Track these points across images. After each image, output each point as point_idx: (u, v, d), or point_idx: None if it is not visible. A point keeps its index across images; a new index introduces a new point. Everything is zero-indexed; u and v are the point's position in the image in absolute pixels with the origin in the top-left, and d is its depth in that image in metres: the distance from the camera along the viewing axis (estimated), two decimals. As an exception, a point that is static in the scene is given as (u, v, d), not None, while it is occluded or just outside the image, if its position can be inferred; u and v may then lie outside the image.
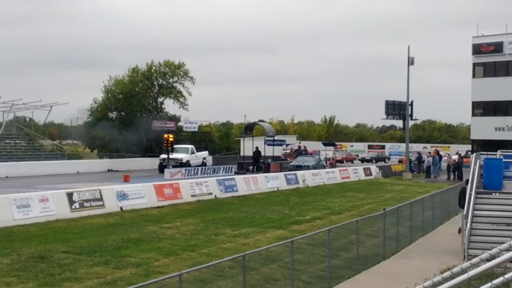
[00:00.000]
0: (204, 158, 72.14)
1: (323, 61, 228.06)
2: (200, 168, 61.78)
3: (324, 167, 66.61)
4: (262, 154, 67.69)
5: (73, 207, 29.60)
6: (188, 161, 66.83)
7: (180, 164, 64.50)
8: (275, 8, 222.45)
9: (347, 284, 20.14)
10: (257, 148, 67.95)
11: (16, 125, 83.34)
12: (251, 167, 64.90)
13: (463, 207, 26.67)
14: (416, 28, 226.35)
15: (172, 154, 64.78)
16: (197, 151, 72.60)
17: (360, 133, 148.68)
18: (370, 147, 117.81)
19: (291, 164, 66.74)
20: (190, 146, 71.48)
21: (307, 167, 61.33)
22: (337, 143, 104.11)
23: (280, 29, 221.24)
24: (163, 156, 65.39)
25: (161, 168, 64.26)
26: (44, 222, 27.04)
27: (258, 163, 65.50)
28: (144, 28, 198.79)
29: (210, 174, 58.35)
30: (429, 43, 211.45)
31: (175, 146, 68.72)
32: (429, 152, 76.82)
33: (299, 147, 78.31)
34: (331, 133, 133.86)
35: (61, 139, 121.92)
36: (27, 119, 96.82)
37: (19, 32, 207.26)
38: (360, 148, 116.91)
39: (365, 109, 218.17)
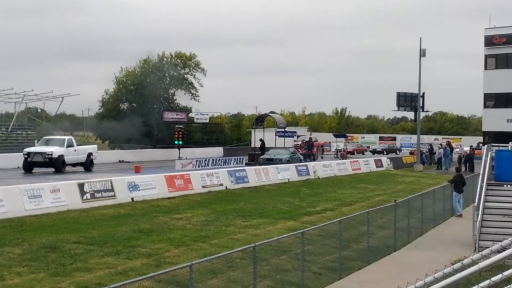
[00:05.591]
0: (90, 154, 53.81)
1: (333, 53, 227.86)
2: (211, 159, 61.71)
3: (300, 160, 59.52)
4: (273, 145, 67.67)
5: (84, 197, 29.66)
6: (61, 156, 49.30)
7: (49, 160, 48.63)
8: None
9: (357, 275, 20.16)
10: (261, 139, 68.10)
11: (28, 116, 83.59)
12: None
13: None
14: (426, 19, 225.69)
15: (39, 147, 51.14)
16: (213, 145, 69.73)
17: (371, 125, 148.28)
18: (381, 138, 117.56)
19: (261, 157, 60.86)
20: (67, 138, 53.78)
21: (279, 161, 56.37)
22: (348, 134, 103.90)
23: (290, 21, 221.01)
24: (29, 149, 50.96)
25: (26, 166, 49.74)
26: (55, 213, 27.10)
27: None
28: (155, 19, 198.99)
29: (221, 165, 58.37)
30: (440, 35, 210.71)
31: (46, 137, 56.34)
32: (440, 144, 76.63)
33: (310, 138, 78.10)
34: (342, 125, 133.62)
35: (73, 130, 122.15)
36: (39, 110, 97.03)
37: (30, 23, 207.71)
38: (371, 139, 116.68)
39: (376, 101, 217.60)
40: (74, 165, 51.63)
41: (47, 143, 51.53)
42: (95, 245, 21.03)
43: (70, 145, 51.21)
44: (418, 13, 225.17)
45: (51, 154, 48.68)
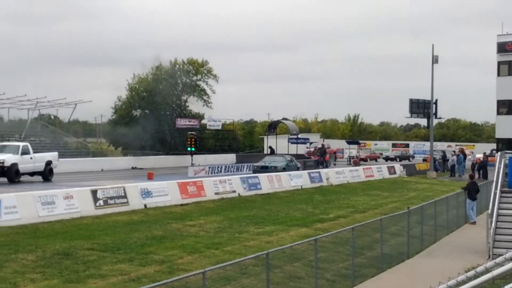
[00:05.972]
0: (50, 163, 49.15)
1: (346, 59, 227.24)
2: (223, 166, 61.67)
3: (298, 168, 56.76)
4: (286, 152, 67.65)
5: (98, 204, 29.71)
6: (14, 164, 44.69)
7: (1, 169, 43.97)
8: (296, 6, 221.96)
9: (371, 282, 20.12)
10: (270, 147, 68.23)
11: (41, 123, 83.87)
12: None
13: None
14: (439, 26, 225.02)
15: None
16: (225, 151, 68.57)
17: (384, 132, 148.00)
18: (394, 145, 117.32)
19: (255, 165, 58.19)
20: (22, 144, 48.60)
21: (274, 169, 53.48)
22: (361, 141, 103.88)
23: (303, 27, 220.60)
24: None
25: None
26: (68, 219, 27.17)
27: None
28: (167, 26, 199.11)
29: (234, 172, 58.37)
30: (453, 41, 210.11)
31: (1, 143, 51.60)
32: (454, 151, 76.44)
33: (322, 145, 78.04)
34: (355, 132, 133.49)
35: (86, 137, 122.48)
36: (52, 117, 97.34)
37: (42, 30, 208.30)
38: (384, 146, 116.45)
39: (389, 108, 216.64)
40: (31, 174, 47.34)
41: (0, 150, 46.72)
42: (108, 251, 21.06)
43: (25, 152, 46.42)
44: (430, 19, 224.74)
45: (3, 163, 43.93)
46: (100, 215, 28.83)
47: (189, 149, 68.14)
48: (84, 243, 22.09)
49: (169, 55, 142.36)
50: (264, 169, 53.78)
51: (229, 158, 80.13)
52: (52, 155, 50.72)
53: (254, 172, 52.64)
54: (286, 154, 63.07)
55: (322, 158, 71.00)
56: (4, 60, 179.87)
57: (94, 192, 29.92)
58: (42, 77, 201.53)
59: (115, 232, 24.94)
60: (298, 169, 56.22)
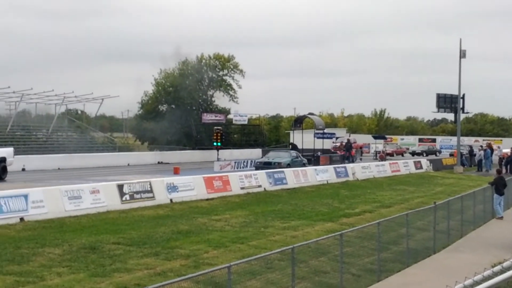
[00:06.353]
0: (3, 160, 44.54)
1: (372, 54, 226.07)
2: (249, 160, 61.64)
3: (304, 164, 53.87)
4: (312, 147, 67.51)
5: (124, 198, 29.84)
6: None
7: None
8: (323, 0, 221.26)
9: (396, 277, 20.03)
10: (291, 143, 68.10)
11: (68, 118, 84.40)
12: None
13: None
14: (466, 20, 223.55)
15: None
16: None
17: (410, 126, 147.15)
18: (420, 140, 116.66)
19: (257, 161, 56.25)
20: None
21: (278, 165, 50.76)
22: (387, 136, 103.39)
23: (328, 22, 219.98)
24: None
25: None
26: (95, 214, 27.31)
27: None
28: (192, 21, 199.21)
29: (259, 166, 58.34)
30: (480, 36, 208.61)
31: None
32: (481, 146, 75.95)
33: (348, 140, 77.82)
34: (382, 126, 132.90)
35: (112, 132, 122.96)
36: (79, 112, 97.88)
37: (68, 25, 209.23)
38: (411, 141, 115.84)
39: (416, 102, 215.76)
40: None
41: None
42: (134, 246, 21.14)
43: None
44: (458, 14, 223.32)
45: None
46: (126, 209, 28.96)
47: (215, 144, 68.25)
48: (110, 237, 22.19)
49: (196, 50, 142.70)
50: (267, 165, 51.27)
51: (255, 153, 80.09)
52: (6, 151, 45.90)
53: (257, 168, 50.48)
54: (292, 151, 60.37)
55: (347, 153, 70.86)
56: (32, 56, 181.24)
57: (120, 187, 30.05)
58: (70, 73, 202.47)
59: (141, 226, 25.03)
60: (304, 165, 53.37)
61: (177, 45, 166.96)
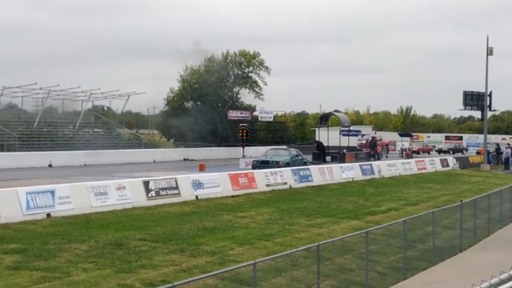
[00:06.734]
0: None
1: (398, 51, 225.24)
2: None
3: (305, 163, 51.39)
4: (337, 144, 67.40)
5: (150, 195, 29.92)
6: None
7: None
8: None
9: (422, 275, 19.96)
10: (316, 141, 67.94)
11: (94, 114, 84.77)
12: (329, 158, 64.27)
13: None
14: (494, 17, 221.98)
15: None
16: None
17: (437, 124, 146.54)
18: (447, 138, 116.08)
19: (255, 159, 53.29)
20: None
21: (276, 164, 48.32)
22: (413, 133, 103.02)
23: (354, 19, 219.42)
24: None
25: None
26: (121, 210, 27.41)
27: (324, 154, 64.79)
28: (218, 18, 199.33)
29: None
30: (507, 33, 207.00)
31: None
32: (508, 144, 75.45)
33: (373, 137, 77.54)
34: (408, 124, 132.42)
35: (138, 128, 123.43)
36: (105, 108, 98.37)
37: (95, 22, 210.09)
38: (437, 139, 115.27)
39: (442, 100, 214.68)
40: None
41: None
42: (160, 242, 21.20)
43: None
44: (485, 10, 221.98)
45: None
46: (152, 206, 29.03)
47: (240, 140, 68.29)
48: (136, 234, 22.26)
49: (221, 47, 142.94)
50: (265, 164, 48.81)
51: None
52: None
53: (253, 167, 47.96)
54: (292, 149, 57.62)
55: (372, 151, 70.67)
56: (58, 53, 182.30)
57: (146, 183, 30.14)
58: (96, 69, 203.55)
59: (166, 223, 25.09)
60: (305, 164, 51.04)
61: (196, 40, 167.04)
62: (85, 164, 55.77)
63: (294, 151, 54.71)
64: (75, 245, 20.05)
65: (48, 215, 24.90)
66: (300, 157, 53.30)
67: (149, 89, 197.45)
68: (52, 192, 25.52)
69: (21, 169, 49.09)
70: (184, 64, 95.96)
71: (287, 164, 48.34)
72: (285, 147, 61.50)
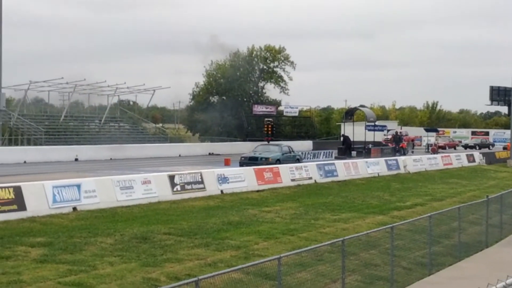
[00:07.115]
0: None
1: (424, 46, 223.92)
2: (300, 152, 61.36)
3: (298, 160, 48.68)
4: (363, 139, 67.27)
5: (175, 189, 29.99)
6: None
7: None
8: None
9: (448, 271, 19.90)
10: (343, 135, 67.80)
11: (120, 109, 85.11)
12: (354, 152, 64.09)
13: None
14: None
15: None
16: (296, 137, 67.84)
17: (463, 119, 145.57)
18: (473, 133, 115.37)
19: (243, 156, 49.08)
20: None
21: (265, 160, 45.55)
22: (439, 129, 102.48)
23: (379, 14, 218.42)
24: None
25: None
26: (146, 204, 27.49)
27: (350, 149, 64.61)
28: (244, 12, 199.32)
29: (310, 158, 58.19)
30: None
31: None
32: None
33: (397, 132, 77.21)
34: (434, 119, 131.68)
35: (164, 123, 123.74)
36: (131, 103, 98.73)
37: (120, 17, 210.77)
38: (463, 134, 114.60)
39: (469, 95, 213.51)
40: None
41: None
42: (185, 236, 21.25)
43: None
44: (508, 5, 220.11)
45: None
46: (177, 200, 29.10)
47: (266, 135, 68.27)
48: (161, 228, 22.33)
49: (247, 42, 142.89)
50: (253, 160, 45.86)
51: (306, 144, 79.94)
52: None
53: (241, 164, 44.86)
54: (283, 144, 54.07)
55: (397, 146, 70.42)
56: (84, 47, 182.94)
57: (171, 178, 30.21)
58: (122, 64, 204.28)
59: (191, 217, 25.15)
60: (298, 160, 48.27)
61: (213, 35, 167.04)
62: (110, 158, 55.96)
63: (285, 147, 51.28)
64: (101, 238, 20.15)
65: (74, 208, 25.04)
66: (292, 154, 50.07)
67: (172, 83, 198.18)
68: (78, 186, 25.66)
69: (48, 163, 49.36)
70: (204, 59, 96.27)
71: (278, 161, 45.61)
72: (276, 142, 58.91)
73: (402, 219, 24.81)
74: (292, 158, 48.60)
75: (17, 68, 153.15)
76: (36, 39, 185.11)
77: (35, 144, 62.42)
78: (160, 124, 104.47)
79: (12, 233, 20.22)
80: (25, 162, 49.79)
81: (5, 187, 23.20)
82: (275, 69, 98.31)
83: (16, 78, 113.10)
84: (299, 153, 53.20)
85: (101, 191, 26.45)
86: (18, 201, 23.29)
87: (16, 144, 63.56)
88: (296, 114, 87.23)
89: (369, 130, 70.11)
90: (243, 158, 47.69)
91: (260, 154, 48.09)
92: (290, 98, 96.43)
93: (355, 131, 68.48)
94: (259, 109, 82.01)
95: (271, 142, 60.35)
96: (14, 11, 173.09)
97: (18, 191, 23.43)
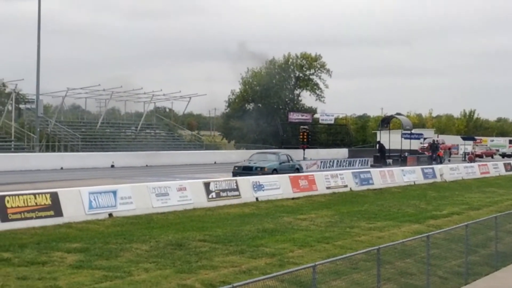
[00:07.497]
0: None
1: (461, 54, 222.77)
2: (335, 160, 61.32)
3: (297, 170, 45.90)
4: (399, 147, 66.96)
5: (210, 196, 30.05)
6: None
7: None
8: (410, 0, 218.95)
9: (485, 281, 19.71)
10: (378, 142, 67.54)
11: (156, 115, 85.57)
12: (390, 160, 63.87)
13: None
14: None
15: None
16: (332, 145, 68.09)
17: (501, 128, 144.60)
18: (511, 142, 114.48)
19: (236, 165, 45.86)
20: None
21: (261, 170, 42.75)
22: (476, 137, 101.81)
23: (416, 22, 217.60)
24: None
25: None
26: (181, 211, 27.56)
27: (384, 157, 64.37)
28: (278, 20, 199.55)
29: (345, 166, 58.07)
30: None
31: None
32: None
33: (434, 141, 76.76)
34: (471, 127, 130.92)
35: (200, 130, 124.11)
36: (167, 110, 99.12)
37: (156, 25, 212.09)
38: (501, 143, 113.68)
39: (507, 103, 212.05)
40: None
41: None
42: (220, 243, 21.26)
43: None
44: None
45: None
46: (212, 207, 29.15)
47: (301, 143, 68.22)
48: (196, 235, 22.36)
49: (283, 49, 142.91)
50: (247, 170, 42.98)
51: (342, 152, 79.80)
52: None
53: (234, 174, 41.81)
54: (281, 153, 50.56)
55: (434, 154, 70.02)
56: (121, 55, 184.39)
57: (207, 185, 30.28)
58: (158, 71, 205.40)
59: (226, 224, 25.17)
60: (297, 170, 45.72)
61: (241, 42, 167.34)
62: (146, 165, 56.28)
63: (283, 156, 47.97)
64: (136, 245, 20.22)
65: (110, 215, 25.17)
66: (290, 163, 47.01)
67: (205, 90, 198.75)
68: (114, 193, 25.80)
69: (84, 169, 49.77)
70: (233, 66, 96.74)
71: (274, 171, 42.94)
72: (273, 150, 57.02)
73: (438, 228, 24.65)
74: (291, 167, 45.89)
75: (55, 75, 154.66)
76: (74, 46, 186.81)
77: (72, 151, 62.98)
78: (196, 131, 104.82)
79: (49, 239, 20.36)
80: (62, 168, 50.29)
81: (42, 193, 23.42)
82: (311, 76, 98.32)
83: (54, 85, 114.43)
84: (299, 162, 50.51)
85: (137, 198, 26.59)
86: (55, 207, 23.49)
87: (53, 151, 64.21)
88: (332, 122, 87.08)
89: (405, 138, 69.84)
90: (236, 168, 44.84)
91: (255, 163, 45.28)
92: (326, 106, 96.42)
93: (391, 139, 68.23)
94: (294, 116, 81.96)
95: (268, 150, 58.30)
96: (54, 20, 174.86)
97: (55, 197, 23.63)
